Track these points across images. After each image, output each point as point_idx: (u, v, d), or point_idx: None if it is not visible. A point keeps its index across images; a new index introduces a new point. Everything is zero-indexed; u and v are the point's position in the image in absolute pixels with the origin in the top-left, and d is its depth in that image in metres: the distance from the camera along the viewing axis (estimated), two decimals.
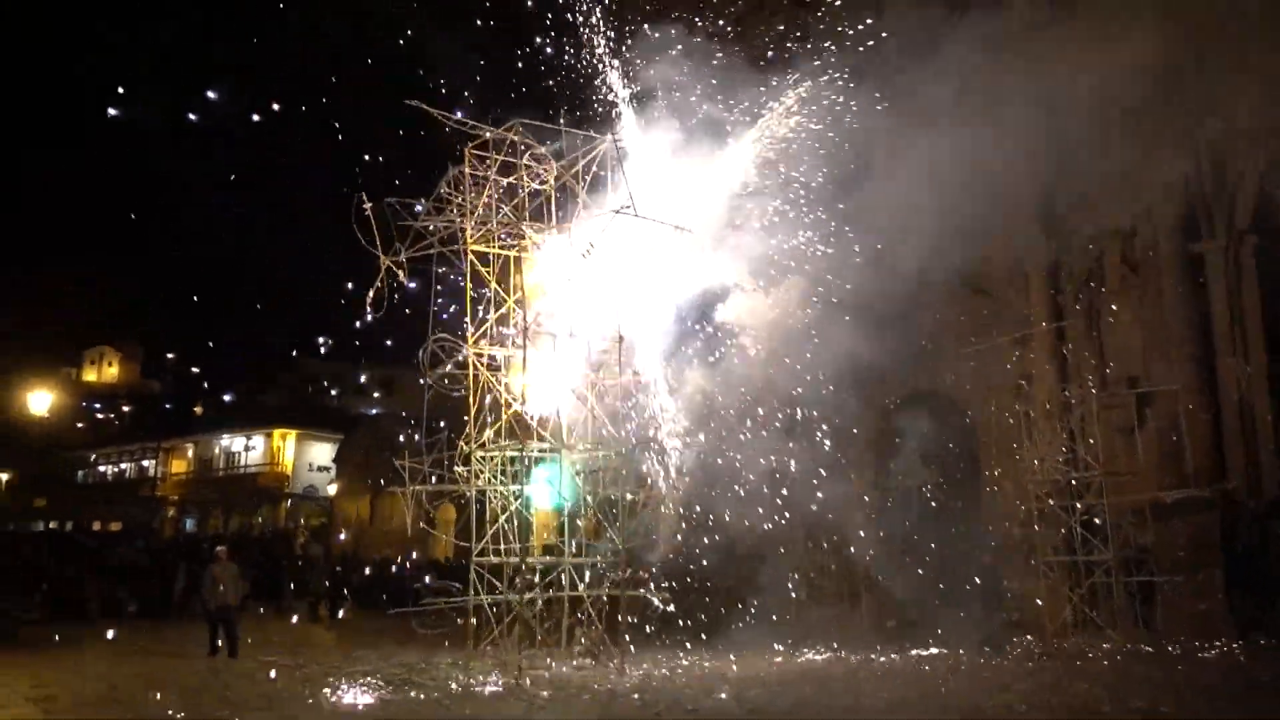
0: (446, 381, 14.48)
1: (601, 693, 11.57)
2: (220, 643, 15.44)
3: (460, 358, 14.18)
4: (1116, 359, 17.23)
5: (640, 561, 15.41)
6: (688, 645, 15.79)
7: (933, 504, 18.09)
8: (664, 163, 15.09)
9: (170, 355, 69.26)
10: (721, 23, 17.03)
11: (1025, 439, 16.73)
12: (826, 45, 16.06)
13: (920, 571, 16.97)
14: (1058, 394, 17.19)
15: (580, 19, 15.37)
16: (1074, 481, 16.08)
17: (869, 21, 16.21)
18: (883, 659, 14.39)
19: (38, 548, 31.56)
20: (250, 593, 26.25)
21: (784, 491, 16.31)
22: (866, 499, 17.93)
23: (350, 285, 16.28)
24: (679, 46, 15.46)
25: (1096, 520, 15.57)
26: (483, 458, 14.13)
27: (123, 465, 62.12)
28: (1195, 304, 16.39)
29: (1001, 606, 16.67)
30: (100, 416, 70.00)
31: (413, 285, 14.47)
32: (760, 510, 16.05)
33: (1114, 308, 17.27)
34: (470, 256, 14.27)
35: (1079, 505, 15.89)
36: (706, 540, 16.02)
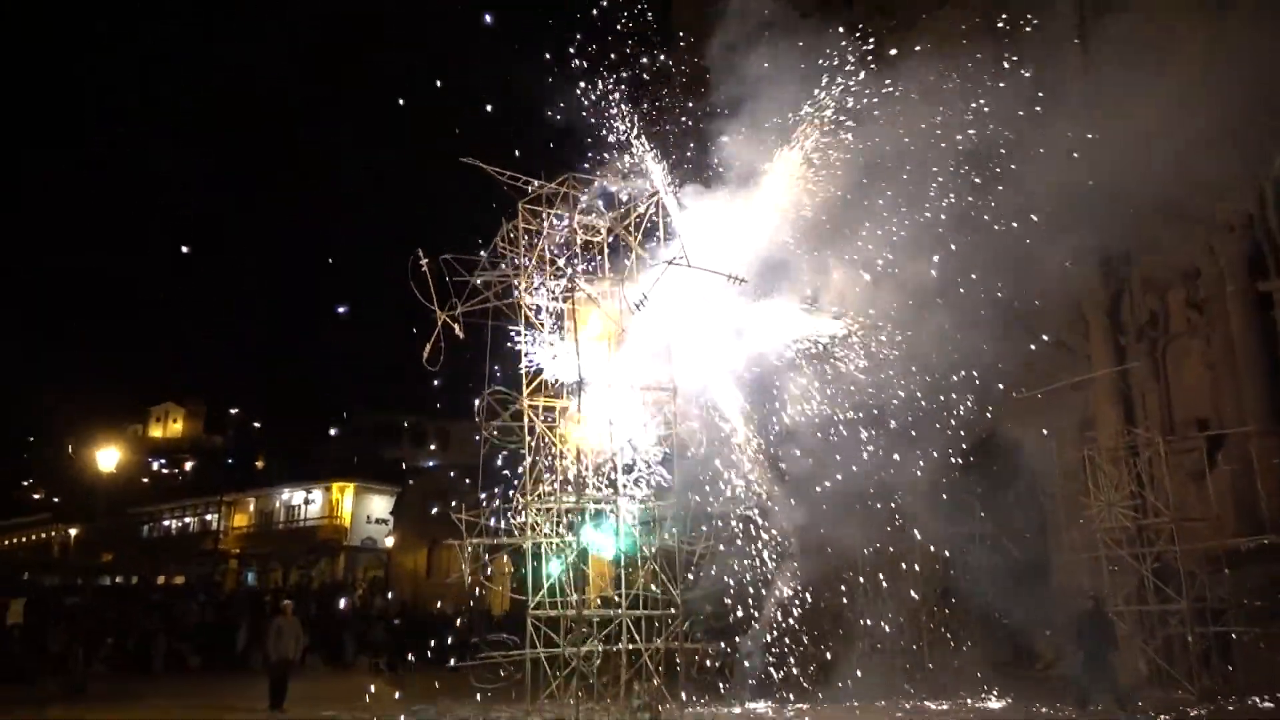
0: (499, 434, 14.54)
1: None
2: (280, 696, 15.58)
3: (515, 410, 14.24)
4: (1184, 402, 16.82)
5: (702, 613, 15.25)
6: (783, 695, 15.54)
7: (997, 554, 17.67)
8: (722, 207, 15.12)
9: (233, 410, 70.78)
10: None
11: (1092, 485, 16.32)
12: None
13: (986, 621, 16.58)
14: (1124, 439, 16.78)
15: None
16: (1143, 528, 15.63)
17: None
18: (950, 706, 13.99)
19: (105, 602, 32.17)
20: (310, 646, 26.50)
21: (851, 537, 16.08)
22: (933, 549, 17.56)
23: (407, 340, 16.48)
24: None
25: (1169, 568, 15.10)
26: (539, 509, 14.12)
27: (186, 519, 63.14)
28: (1264, 343, 15.95)
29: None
30: (165, 472, 71.43)
31: (468, 345, 14.59)
32: (836, 564, 15.85)
33: (1180, 349, 16.89)
34: (524, 310, 14.39)
35: (1149, 553, 15.43)
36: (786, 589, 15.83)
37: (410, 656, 25.97)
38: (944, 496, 17.12)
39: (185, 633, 27.25)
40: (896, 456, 16.43)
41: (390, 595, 40.48)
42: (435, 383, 15.03)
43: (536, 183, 14.80)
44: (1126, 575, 15.62)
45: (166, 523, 64.64)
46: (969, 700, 14.76)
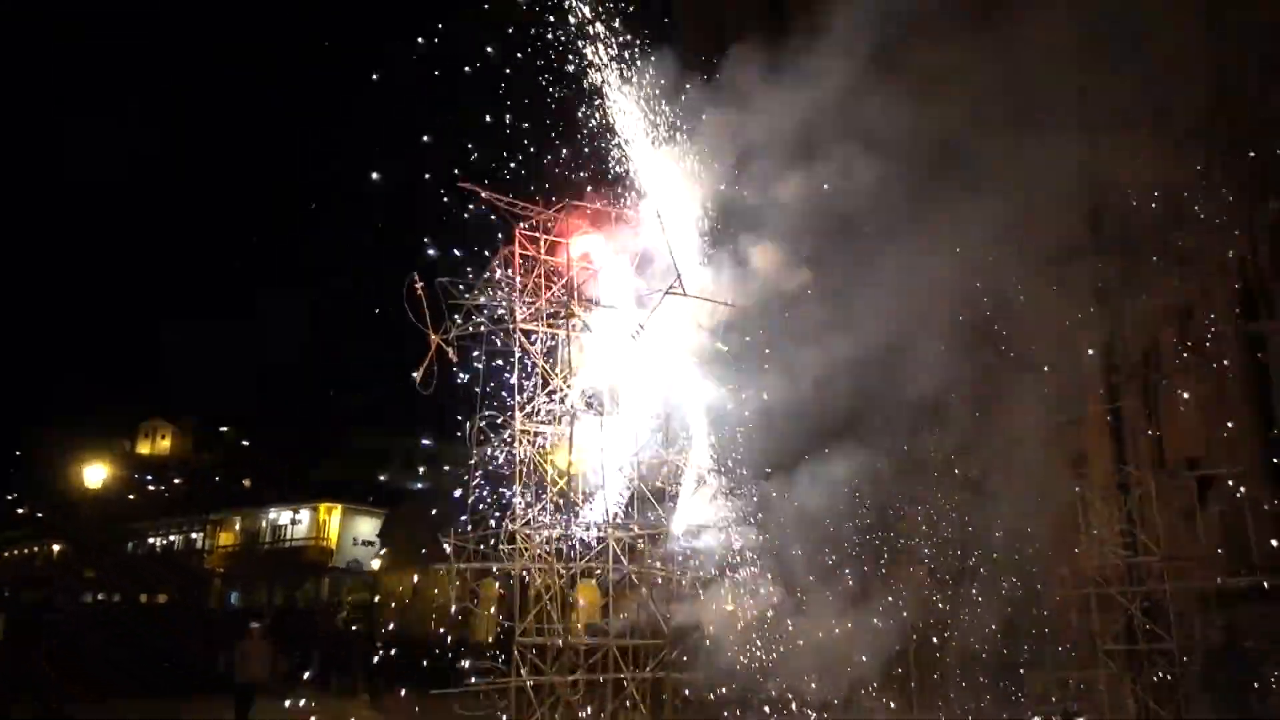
0: (491, 457, 14.49)
1: None
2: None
3: (507, 435, 14.20)
4: (1175, 440, 16.86)
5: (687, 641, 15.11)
6: None
7: (984, 584, 17.60)
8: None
9: (222, 429, 70.45)
10: None
11: (1082, 523, 16.30)
12: None
13: (974, 658, 16.48)
14: (1114, 476, 16.78)
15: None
16: (1133, 567, 15.60)
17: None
18: None
19: (85, 620, 31.82)
20: (294, 669, 26.25)
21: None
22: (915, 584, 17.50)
23: (399, 363, 16.44)
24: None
25: (1158, 606, 15.07)
26: (528, 536, 14.05)
27: (171, 537, 62.69)
28: (1255, 383, 16.02)
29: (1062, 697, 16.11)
30: (151, 489, 70.99)
31: (461, 368, 14.56)
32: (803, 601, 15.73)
33: (1172, 388, 16.95)
34: (519, 335, 14.38)
35: (1139, 591, 15.39)
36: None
37: (392, 681, 25.78)
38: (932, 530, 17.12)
39: (168, 654, 26.97)
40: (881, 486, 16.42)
41: (376, 618, 40.17)
42: (427, 405, 14.97)
43: (532, 209, 14.85)
44: (1116, 613, 15.57)
45: (151, 540, 64.16)
46: None
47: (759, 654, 15.33)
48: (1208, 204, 16.33)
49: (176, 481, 71.15)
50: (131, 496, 67.15)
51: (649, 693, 13.97)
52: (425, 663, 25.01)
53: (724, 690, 15.11)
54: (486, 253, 14.87)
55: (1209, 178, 16.44)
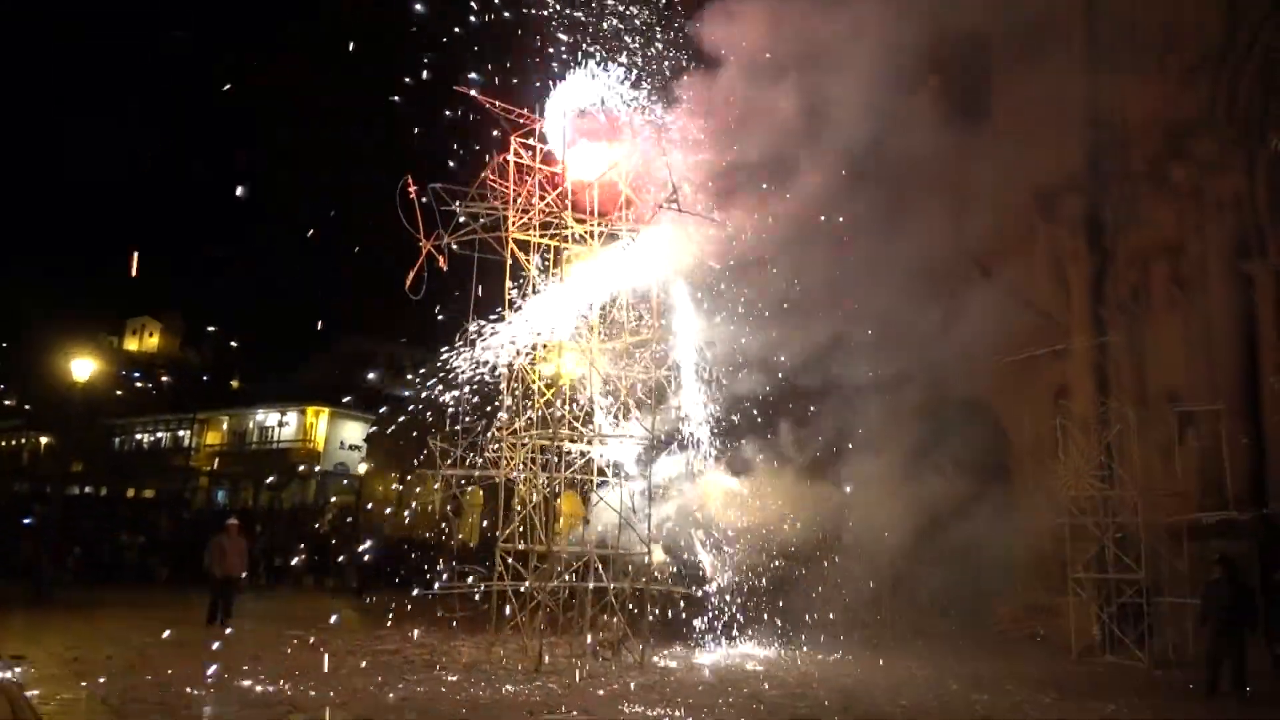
0: (480, 365, 14.56)
1: (618, 684, 11.57)
2: (218, 612, 15.77)
3: (496, 344, 14.24)
4: (1158, 376, 16.96)
5: (672, 556, 15.42)
6: (728, 643, 15.77)
7: (964, 513, 17.90)
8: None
9: (210, 328, 70.22)
10: None
11: (1062, 452, 16.50)
12: None
13: (951, 579, 16.84)
14: (1096, 409, 16.94)
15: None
16: (1108, 498, 15.86)
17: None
18: (909, 665, 14.26)
19: (74, 511, 32.15)
20: (279, 567, 26.66)
21: (819, 494, 16.25)
22: (898, 504, 17.76)
23: (391, 268, 16.36)
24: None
25: (1131, 538, 15.36)
26: (514, 445, 14.18)
27: (159, 434, 62.93)
28: (1242, 324, 16.05)
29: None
30: (139, 385, 70.94)
31: (452, 275, 14.50)
32: (792, 514, 16.00)
33: (1159, 324, 17.00)
34: (511, 245, 14.31)
35: (1113, 523, 15.67)
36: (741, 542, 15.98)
37: (375, 581, 26.24)
38: (915, 454, 17.34)
39: (155, 545, 27.37)
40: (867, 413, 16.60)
41: (360, 521, 40.65)
42: (418, 312, 14.96)
43: (529, 117, 14.66)
44: (1088, 543, 15.87)
45: (139, 437, 64.42)
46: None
47: (740, 566, 15.68)
48: (1208, 140, 16.19)
49: (164, 379, 71.09)
50: (119, 392, 67.09)
51: (628, 600, 14.27)
52: (408, 564, 25.43)
53: (700, 596, 15.46)
54: (487, 157, 14.71)
55: (1211, 114, 16.28)
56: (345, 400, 52.81)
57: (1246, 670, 11.91)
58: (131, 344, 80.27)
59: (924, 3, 15.38)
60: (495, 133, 14.54)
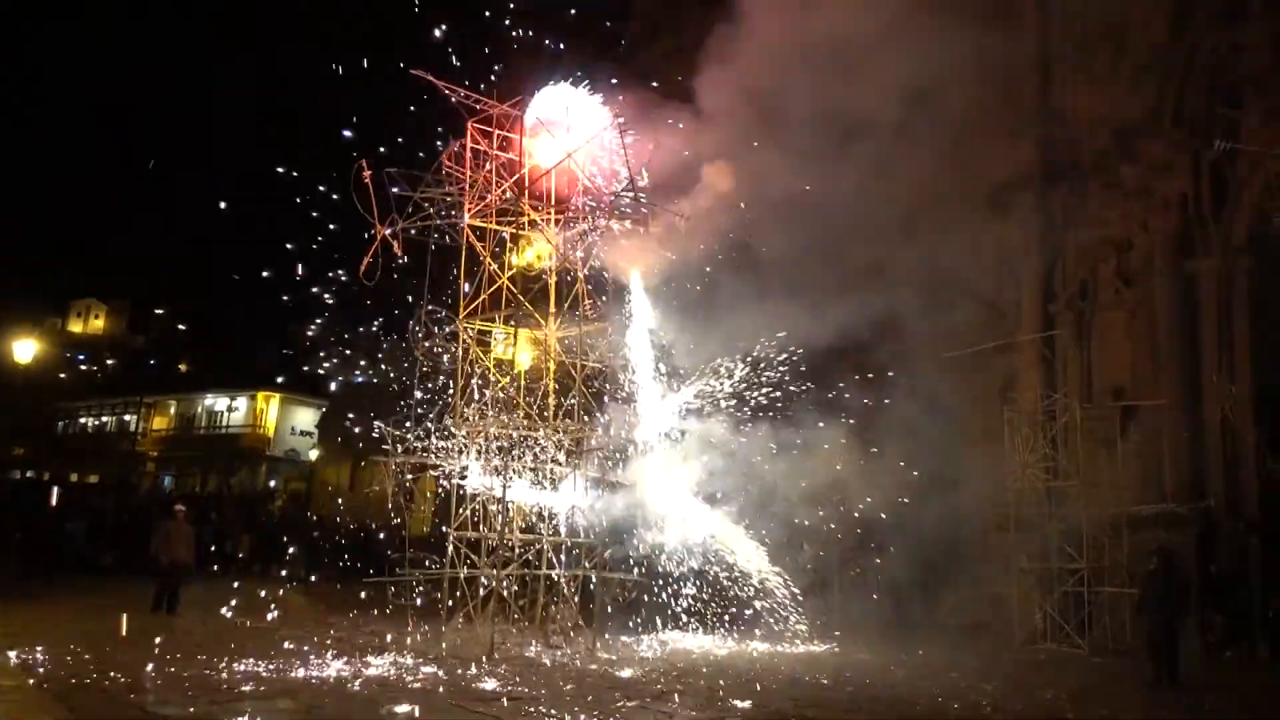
0: (436, 353, 14.50)
1: (570, 671, 11.62)
2: (164, 600, 15.57)
3: (450, 330, 14.18)
4: (1103, 371, 17.35)
5: (620, 546, 15.44)
6: (678, 631, 15.85)
7: (911, 504, 18.13)
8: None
9: (158, 311, 69.04)
10: None
11: (1008, 445, 16.81)
12: None
13: (896, 570, 17.06)
14: (1041, 402, 17.26)
15: None
16: (1053, 490, 16.18)
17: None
18: (854, 652, 14.46)
19: (15, 496, 31.49)
20: (227, 554, 26.34)
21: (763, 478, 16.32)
22: (846, 494, 17.95)
23: (344, 253, 16.20)
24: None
25: (1073, 529, 15.69)
26: (467, 433, 14.14)
27: (104, 419, 61.76)
28: (1186, 321, 16.44)
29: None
30: (83, 368, 69.57)
31: (407, 261, 14.41)
32: (739, 498, 16.09)
33: (1105, 320, 17.37)
34: (467, 231, 14.25)
35: (1057, 514, 16.01)
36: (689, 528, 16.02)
37: (324, 568, 26.04)
38: (863, 447, 17.50)
39: (101, 531, 26.92)
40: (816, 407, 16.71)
41: (311, 507, 40.29)
42: (371, 297, 14.87)
43: (487, 102, 14.59)
44: (1033, 534, 16.19)
45: (84, 420, 63.21)
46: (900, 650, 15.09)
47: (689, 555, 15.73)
48: (1155, 140, 16.53)
49: (110, 362, 69.81)
50: (63, 375, 65.77)
51: (580, 588, 14.32)
52: (359, 551, 25.26)
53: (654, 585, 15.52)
54: (439, 144, 14.63)
55: (1159, 115, 16.63)
56: (294, 385, 52.30)
57: (1180, 658, 12.23)
58: (76, 326, 78.67)
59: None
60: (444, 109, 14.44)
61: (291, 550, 26.29)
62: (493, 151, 14.53)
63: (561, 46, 15.16)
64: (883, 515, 17.06)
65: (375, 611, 16.01)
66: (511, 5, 15.23)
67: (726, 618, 16.52)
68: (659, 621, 16.02)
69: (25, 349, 27.94)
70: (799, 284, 16.11)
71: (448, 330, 14.27)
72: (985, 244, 18.62)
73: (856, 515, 17.63)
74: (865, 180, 15.87)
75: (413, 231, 14.05)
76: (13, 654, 11.01)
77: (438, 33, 15.06)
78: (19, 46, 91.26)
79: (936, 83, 15.46)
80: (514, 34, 15.32)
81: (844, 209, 15.93)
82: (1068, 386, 17.40)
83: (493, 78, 15.00)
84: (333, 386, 50.22)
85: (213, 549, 26.52)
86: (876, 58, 14.80)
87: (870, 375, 17.69)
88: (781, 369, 15.99)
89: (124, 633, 13.12)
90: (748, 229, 15.48)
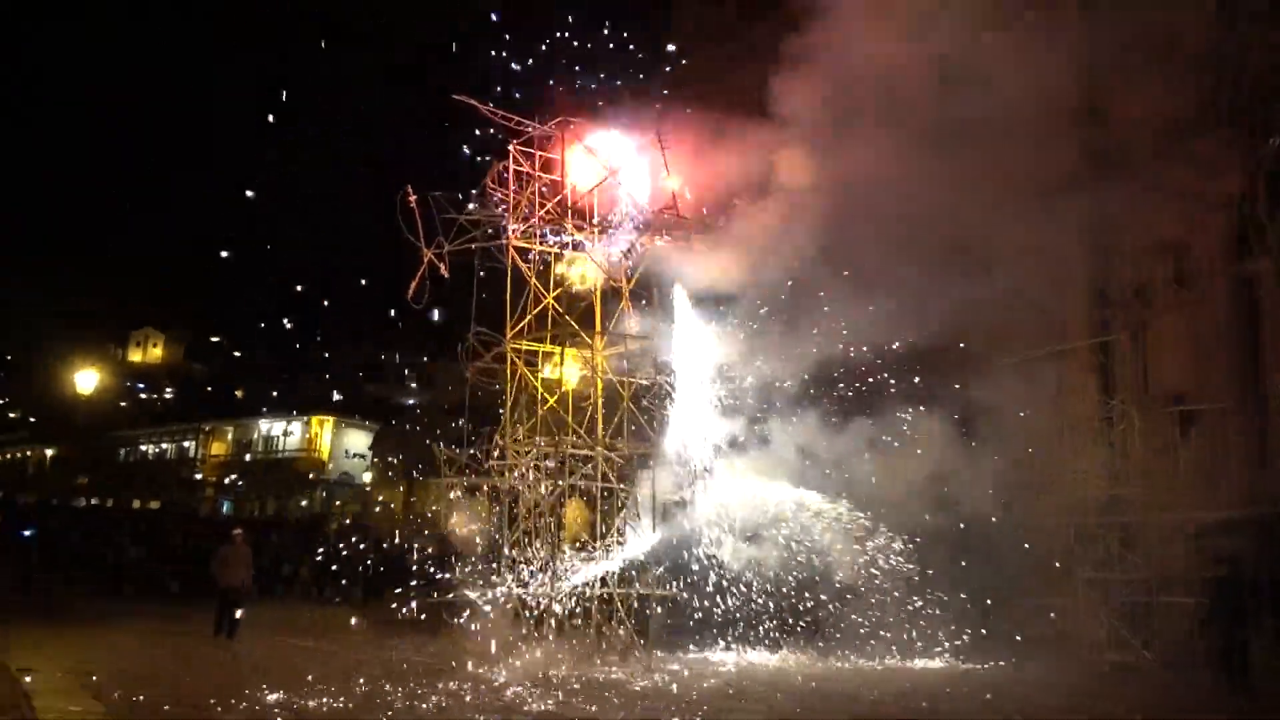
0: (482, 373, 14.61)
1: (627, 691, 11.58)
2: (225, 623, 15.77)
3: (498, 351, 14.29)
4: (1161, 376, 16.97)
5: (671, 563, 15.38)
6: (741, 647, 15.74)
7: (973, 516, 17.86)
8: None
9: (214, 339, 70.38)
10: None
11: (1065, 454, 16.50)
12: None
13: (962, 583, 16.80)
14: (1099, 409, 16.94)
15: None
16: (1113, 498, 15.86)
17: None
18: (919, 667, 14.26)
19: (81, 525, 32.17)
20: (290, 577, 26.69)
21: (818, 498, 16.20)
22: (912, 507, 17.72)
23: (394, 277, 16.44)
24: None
25: (1135, 537, 15.36)
26: (518, 452, 14.21)
27: (164, 446, 63.05)
28: (1245, 322, 16.07)
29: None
30: (143, 397, 71.10)
31: (454, 283, 14.56)
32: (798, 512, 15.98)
33: (1161, 324, 17.02)
34: (512, 252, 14.37)
35: (1118, 522, 15.68)
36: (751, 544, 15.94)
37: (380, 589, 26.25)
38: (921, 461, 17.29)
39: (163, 557, 27.40)
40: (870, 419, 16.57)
41: (366, 529, 40.73)
42: (421, 320, 15.02)
43: (528, 124, 14.72)
44: (1094, 543, 15.88)
45: (144, 448, 64.55)
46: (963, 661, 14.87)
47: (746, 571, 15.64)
48: (1208, 140, 16.21)
49: (169, 390, 71.29)
50: (123, 404, 67.29)
51: (634, 607, 14.29)
52: (414, 573, 25.44)
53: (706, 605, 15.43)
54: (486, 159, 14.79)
55: (1211, 113, 16.30)
56: (347, 408, 53.02)
57: (1250, 667, 11.90)
58: (135, 355, 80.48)
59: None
60: (486, 132, 14.60)
61: (348, 572, 26.54)
62: (535, 172, 14.65)
63: (599, 75, 15.22)
64: (960, 525, 16.76)
65: (432, 633, 16.09)
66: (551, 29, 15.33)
67: (791, 631, 16.34)
68: (717, 637, 15.90)
69: (87, 380, 28.59)
70: (854, 295, 16.04)
71: (496, 351, 14.38)
72: (1036, 249, 18.37)
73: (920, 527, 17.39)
74: (915, 186, 15.78)
75: (450, 260, 14.19)
76: (80, 679, 11.23)
77: (489, 58, 15.20)
78: (89, 74, 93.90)
79: (985, 88, 15.32)
80: (552, 49, 15.42)
81: (892, 220, 15.85)
82: (1125, 392, 17.05)
83: (525, 91, 15.15)
84: (386, 409, 51.03)
85: (273, 572, 26.92)
86: (927, 66, 14.75)
87: (924, 385, 17.49)
88: (838, 383, 15.92)
89: (188, 656, 13.34)
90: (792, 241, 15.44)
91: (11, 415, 73.45)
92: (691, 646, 15.60)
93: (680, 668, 13.91)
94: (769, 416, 16.20)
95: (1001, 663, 14.40)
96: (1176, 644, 14.88)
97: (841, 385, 16.61)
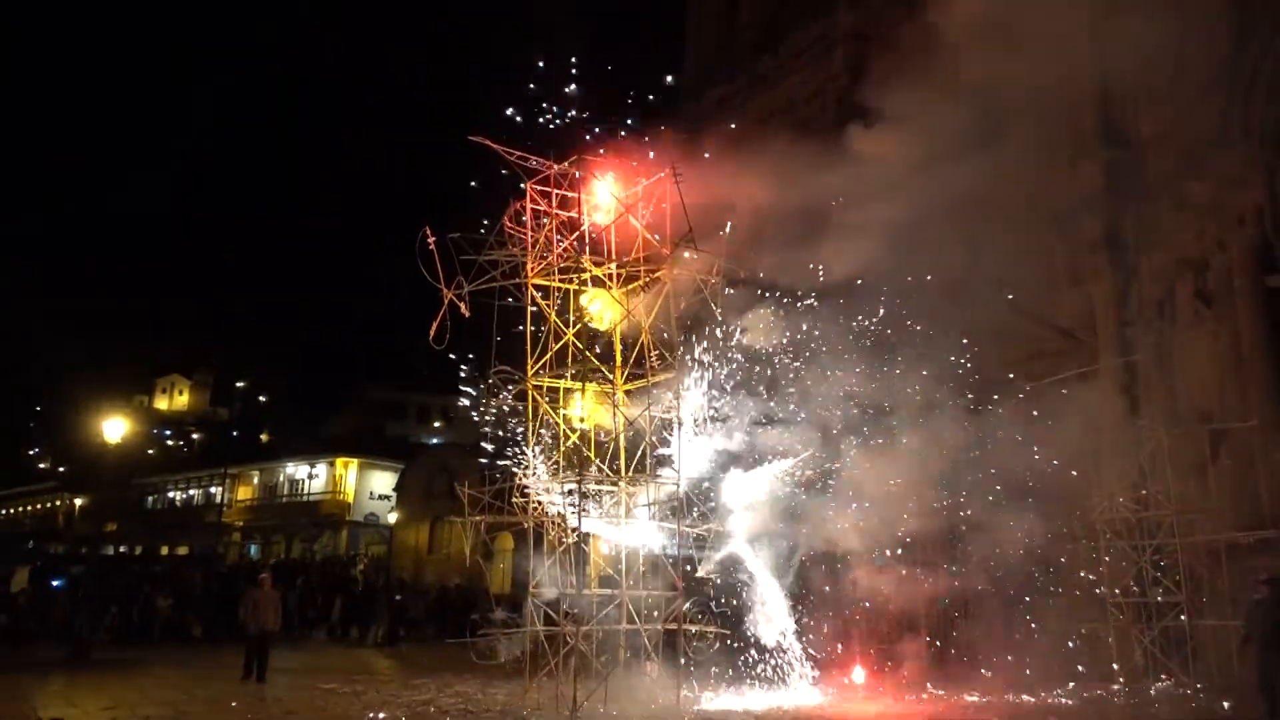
0: (504, 412, 14.63)
1: None
2: (253, 667, 15.76)
3: (519, 389, 14.31)
4: (1189, 394, 16.77)
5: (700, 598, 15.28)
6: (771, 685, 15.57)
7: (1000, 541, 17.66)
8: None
9: (239, 384, 71.02)
10: None
11: (1094, 476, 16.31)
12: None
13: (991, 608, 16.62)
14: (1126, 430, 16.74)
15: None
16: (1144, 520, 15.64)
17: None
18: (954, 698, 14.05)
19: (109, 571, 32.34)
20: (314, 619, 26.70)
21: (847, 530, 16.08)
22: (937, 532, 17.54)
23: (413, 318, 16.53)
24: None
25: (1169, 559, 15.12)
26: (542, 489, 14.19)
27: (191, 491, 63.43)
28: (1271, 338, 15.88)
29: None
30: (170, 443, 71.70)
31: (473, 323, 14.61)
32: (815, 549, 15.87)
33: (1186, 341, 16.85)
34: (531, 290, 14.43)
35: (1149, 544, 15.45)
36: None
37: (407, 630, 26.18)
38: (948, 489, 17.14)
39: (189, 602, 27.47)
40: (903, 442, 16.45)
41: (392, 570, 40.71)
42: (441, 360, 15.07)
43: (544, 162, 14.83)
44: (1126, 566, 15.64)
45: (171, 494, 64.94)
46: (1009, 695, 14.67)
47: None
48: (1226, 155, 16.14)
49: (194, 436, 71.85)
50: (150, 451, 67.89)
51: (660, 643, 14.16)
52: (440, 613, 25.36)
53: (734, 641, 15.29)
54: (506, 197, 14.87)
55: (1228, 127, 16.24)
56: (371, 449, 53.19)
57: None
58: (162, 403, 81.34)
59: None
60: (503, 171, 14.69)
61: (374, 613, 26.49)
62: (552, 210, 14.74)
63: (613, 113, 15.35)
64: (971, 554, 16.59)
65: (458, 672, 16.02)
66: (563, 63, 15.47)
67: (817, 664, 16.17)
68: (745, 674, 15.74)
69: (115, 428, 28.81)
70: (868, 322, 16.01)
71: (516, 389, 14.40)
72: (1057, 270, 18.29)
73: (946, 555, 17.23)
74: (936, 210, 15.80)
75: (469, 299, 14.26)
76: None
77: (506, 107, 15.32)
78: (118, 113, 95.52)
79: (1003, 113, 15.37)
80: (563, 89, 15.54)
81: (914, 242, 15.85)
82: (1152, 412, 16.85)
83: (542, 127, 15.25)
84: (409, 448, 51.14)
85: (299, 615, 26.93)
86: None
87: (949, 411, 17.38)
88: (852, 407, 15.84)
89: (218, 701, 13.31)
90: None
91: (42, 465, 74.18)
92: (716, 682, 15.40)
93: (711, 704, 13.76)
94: (803, 448, 16.10)
95: (1036, 692, 14.14)
96: (1217, 668, 14.60)
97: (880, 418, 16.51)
